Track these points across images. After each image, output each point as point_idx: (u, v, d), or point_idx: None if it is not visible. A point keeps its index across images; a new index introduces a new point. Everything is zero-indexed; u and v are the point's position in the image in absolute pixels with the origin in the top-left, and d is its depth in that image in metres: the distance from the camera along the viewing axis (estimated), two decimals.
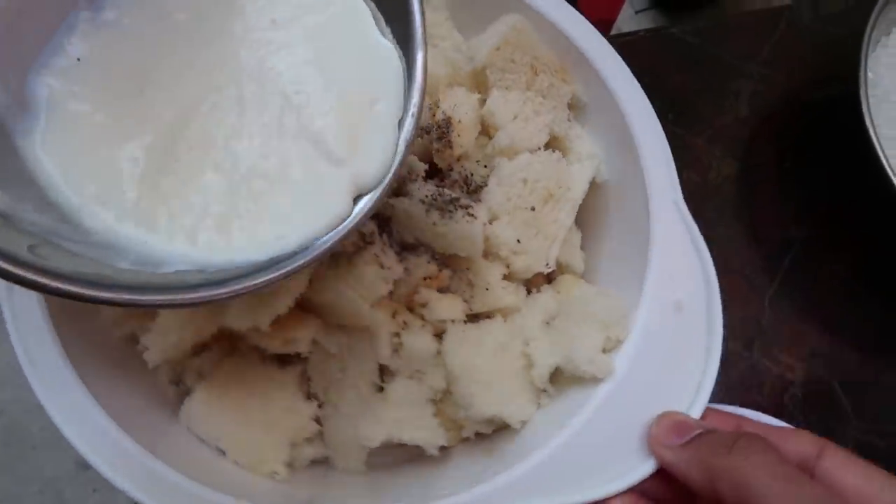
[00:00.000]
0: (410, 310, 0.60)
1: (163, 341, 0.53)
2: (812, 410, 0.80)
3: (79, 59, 0.36)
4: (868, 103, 0.74)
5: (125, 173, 0.37)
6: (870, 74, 0.81)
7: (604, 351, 0.56)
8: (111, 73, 0.37)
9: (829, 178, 0.89)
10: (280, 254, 0.39)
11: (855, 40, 0.77)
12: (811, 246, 0.87)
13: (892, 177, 0.73)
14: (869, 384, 0.82)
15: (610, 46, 0.64)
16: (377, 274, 0.54)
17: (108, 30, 0.36)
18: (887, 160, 0.73)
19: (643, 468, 0.52)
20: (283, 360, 0.62)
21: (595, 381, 0.56)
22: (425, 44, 0.42)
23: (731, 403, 0.58)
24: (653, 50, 0.92)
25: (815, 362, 0.82)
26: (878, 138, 0.73)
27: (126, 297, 0.34)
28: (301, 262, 0.38)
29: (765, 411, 0.71)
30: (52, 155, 0.36)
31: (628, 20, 1.91)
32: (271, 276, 0.37)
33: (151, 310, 0.55)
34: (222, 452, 0.57)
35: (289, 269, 0.38)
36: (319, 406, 0.60)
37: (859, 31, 0.78)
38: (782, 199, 0.88)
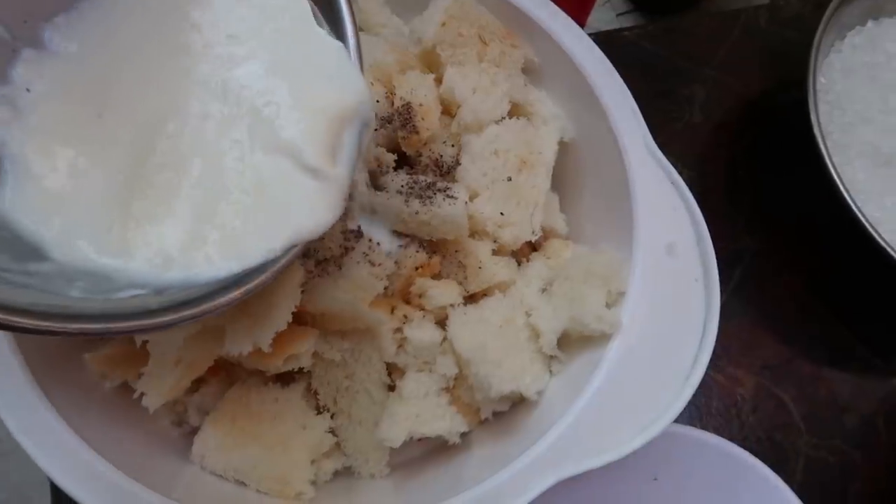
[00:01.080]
0: (407, 302, 0.58)
1: (159, 384, 0.51)
2: (762, 426, 0.76)
3: (28, 91, 0.33)
4: (817, 110, 0.71)
5: (96, 202, 0.35)
6: (822, 80, 0.78)
7: (607, 306, 0.56)
8: (64, 100, 0.34)
9: (782, 187, 0.85)
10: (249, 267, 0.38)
11: (809, 45, 0.74)
12: (762, 257, 0.83)
13: (841, 186, 0.69)
14: (821, 399, 0.78)
15: (553, 4, 0.63)
16: (369, 272, 0.53)
17: (53, 58, 0.34)
18: (835, 169, 0.70)
19: (668, 415, 0.52)
20: (285, 379, 0.60)
21: (604, 337, 0.55)
22: (356, 26, 0.42)
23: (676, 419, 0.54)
24: (604, 53, 0.89)
25: (765, 376, 0.78)
26: (826, 147, 0.70)
27: (90, 326, 0.33)
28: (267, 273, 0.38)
29: (714, 427, 0.72)
30: (19, 204, 0.33)
31: (609, 23, 1.86)
32: (236, 292, 0.37)
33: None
34: (243, 484, 0.55)
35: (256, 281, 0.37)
36: (332, 417, 0.59)
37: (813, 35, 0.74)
38: (734, 209, 0.84)
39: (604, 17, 1.87)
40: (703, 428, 0.70)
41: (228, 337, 0.49)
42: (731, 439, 0.67)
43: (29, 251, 0.35)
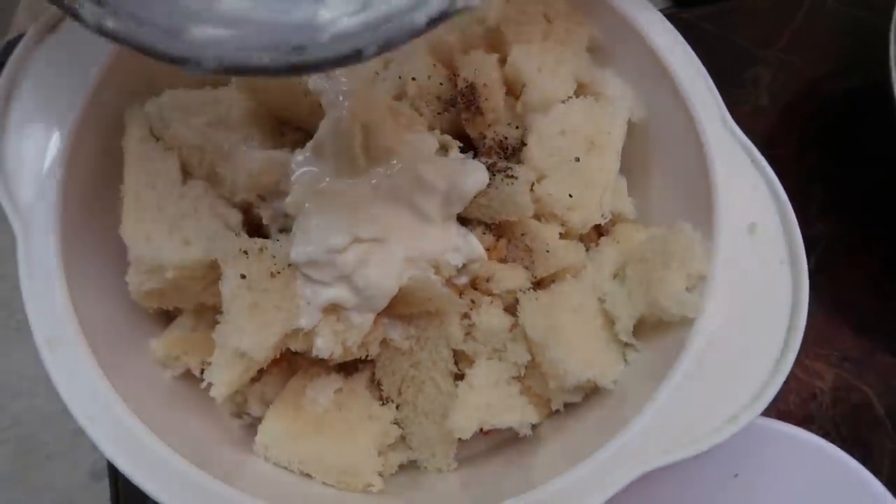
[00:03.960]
0: (474, 287, 0.56)
1: (227, 374, 0.49)
2: (844, 421, 0.72)
3: None
4: None
5: None
6: None
7: (687, 289, 0.53)
8: None
9: (855, 172, 0.81)
10: None
11: (883, 24, 0.69)
12: (837, 244, 0.78)
13: None
14: None
15: None
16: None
17: None
18: None
19: (759, 403, 0.49)
20: (348, 369, 0.58)
21: (684, 322, 0.52)
22: None
23: None
24: None
25: (845, 368, 0.73)
26: None
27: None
28: None
29: (793, 422, 0.65)
30: None
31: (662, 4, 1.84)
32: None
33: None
34: (308, 476, 0.53)
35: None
36: (397, 408, 0.57)
37: (888, 14, 0.69)
38: (804, 194, 0.79)
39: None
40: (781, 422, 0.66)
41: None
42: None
43: None
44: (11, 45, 0.78)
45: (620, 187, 0.63)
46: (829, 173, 0.81)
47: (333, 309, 0.49)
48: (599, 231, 0.62)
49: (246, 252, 0.48)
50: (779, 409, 0.71)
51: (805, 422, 0.70)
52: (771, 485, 0.59)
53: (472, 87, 0.58)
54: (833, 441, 0.69)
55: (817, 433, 0.68)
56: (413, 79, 0.59)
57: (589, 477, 0.48)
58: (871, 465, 0.68)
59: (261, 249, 0.48)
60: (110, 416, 0.47)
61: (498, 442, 0.59)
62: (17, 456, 1.84)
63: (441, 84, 0.59)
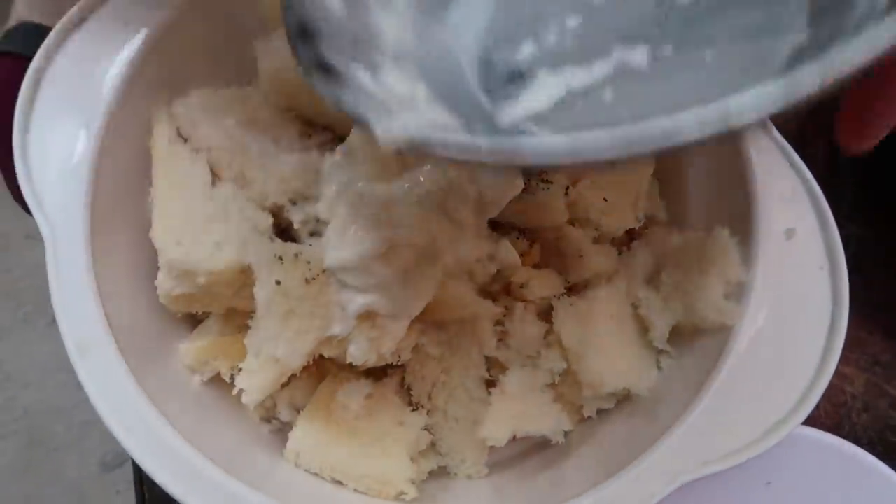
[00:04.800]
0: (507, 294, 0.55)
1: (259, 379, 0.49)
2: (875, 426, 0.70)
3: None
4: None
5: None
6: None
7: (724, 296, 0.52)
8: None
9: (888, 170, 0.78)
10: None
11: None
12: (870, 243, 0.76)
13: None
14: None
15: None
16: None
17: None
18: None
19: (799, 413, 0.48)
20: (377, 374, 0.58)
21: (722, 330, 0.51)
22: None
23: None
24: None
25: (876, 372, 0.72)
26: None
27: None
28: None
29: (822, 428, 0.62)
30: None
31: None
32: None
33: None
34: (339, 483, 0.52)
35: None
36: (427, 414, 0.56)
37: None
38: (837, 193, 0.75)
39: None
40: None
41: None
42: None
43: None
44: (10, 34, 0.77)
45: (653, 190, 0.62)
46: (860, 172, 0.80)
47: (368, 315, 0.49)
48: (631, 235, 0.62)
49: (281, 258, 0.47)
50: (808, 414, 0.70)
51: (835, 428, 0.69)
52: (804, 493, 0.59)
53: None
54: (864, 447, 0.68)
55: (848, 439, 0.68)
56: None
57: (625, 490, 0.47)
58: None
59: (296, 255, 0.47)
60: (143, 425, 0.47)
61: (528, 447, 0.59)
62: (27, 447, 1.84)
63: None
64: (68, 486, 1.76)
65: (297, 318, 0.47)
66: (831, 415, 0.70)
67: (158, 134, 0.54)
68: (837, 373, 0.72)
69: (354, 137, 0.50)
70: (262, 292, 0.47)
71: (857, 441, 0.69)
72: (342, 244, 0.48)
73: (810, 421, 0.70)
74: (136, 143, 0.54)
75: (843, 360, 0.72)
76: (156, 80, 0.55)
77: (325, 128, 0.59)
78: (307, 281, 0.48)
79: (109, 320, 0.49)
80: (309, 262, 0.48)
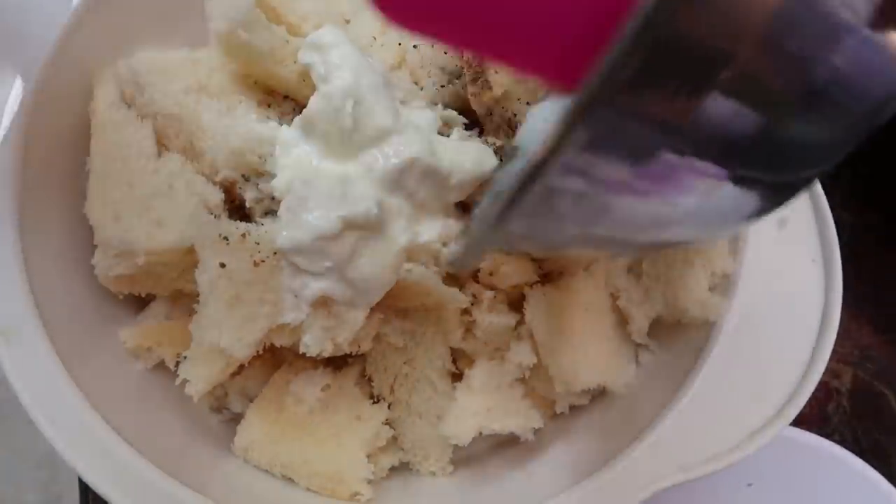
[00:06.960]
0: (476, 281, 0.51)
1: (204, 369, 0.45)
2: (861, 424, 0.67)
3: None
4: None
5: None
6: None
7: (709, 289, 0.49)
8: None
9: (884, 157, 0.74)
10: None
11: None
12: (861, 234, 0.73)
13: None
14: None
15: None
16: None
17: None
18: None
19: (785, 415, 0.45)
20: (336, 364, 0.54)
21: (705, 325, 0.48)
22: None
23: None
24: None
25: (865, 368, 0.69)
26: None
27: None
28: None
29: (807, 425, 0.62)
30: None
31: None
32: None
33: None
34: (291, 481, 0.49)
35: None
36: (388, 407, 0.52)
37: None
38: (830, 180, 0.75)
39: None
40: (796, 426, 0.62)
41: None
42: (827, 438, 0.60)
43: None
44: None
45: None
46: (855, 158, 0.76)
47: (323, 302, 0.45)
48: None
49: (226, 238, 0.43)
50: None
51: (821, 424, 0.66)
52: (785, 495, 0.56)
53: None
54: (850, 446, 0.65)
55: (833, 436, 0.65)
56: (415, 46, 0.53)
57: (596, 495, 0.44)
58: (889, 469, 0.65)
59: (243, 235, 0.43)
60: (72, 418, 0.43)
61: (497, 442, 0.55)
62: None
63: (445, 52, 0.54)
64: (40, 458, 1.73)
65: (243, 304, 0.43)
66: (818, 410, 0.67)
67: (99, 97, 0.49)
68: (826, 368, 0.69)
69: (312, 110, 0.46)
70: (205, 276, 0.43)
71: (842, 439, 0.67)
72: (295, 223, 0.44)
73: (795, 418, 0.67)
74: (74, 106, 0.49)
75: (831, 353, 0.70)
76: (100, 35, 0.50)
77: (287, 97, 0.55)
78: (255, 264, 0.43)
79: (38, 302, 0.45)
80: (258, 244, 0.44)
